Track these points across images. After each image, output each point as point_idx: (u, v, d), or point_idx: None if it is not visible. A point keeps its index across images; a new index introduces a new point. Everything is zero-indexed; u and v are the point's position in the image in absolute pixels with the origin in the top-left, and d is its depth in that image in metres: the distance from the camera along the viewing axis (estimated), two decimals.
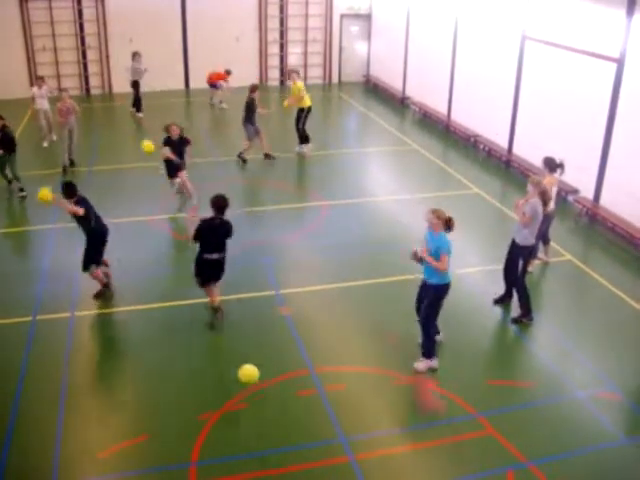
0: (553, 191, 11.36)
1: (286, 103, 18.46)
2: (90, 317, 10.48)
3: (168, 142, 14.14)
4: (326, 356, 9.45)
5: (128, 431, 8.04)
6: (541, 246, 11.83)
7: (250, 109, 17.22)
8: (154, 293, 11.03)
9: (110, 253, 12.53)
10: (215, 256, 9.70)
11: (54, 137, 19.00)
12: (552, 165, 11.35)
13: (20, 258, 12.74)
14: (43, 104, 18.60)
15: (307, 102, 17.98)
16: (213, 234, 9.65)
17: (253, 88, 17.42)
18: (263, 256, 12.20)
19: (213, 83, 23.19)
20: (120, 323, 10.43)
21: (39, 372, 9.17)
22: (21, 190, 14.95)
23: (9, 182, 15.22)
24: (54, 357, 9.44)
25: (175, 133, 14.14)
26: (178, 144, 14.17)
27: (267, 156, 17.85)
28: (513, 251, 10.37)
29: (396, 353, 9.49)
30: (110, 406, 8.54)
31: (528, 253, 10.27)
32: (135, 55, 21.80)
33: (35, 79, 20.74)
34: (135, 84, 21.86)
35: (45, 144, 18.87)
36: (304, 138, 18.29)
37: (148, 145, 14.16)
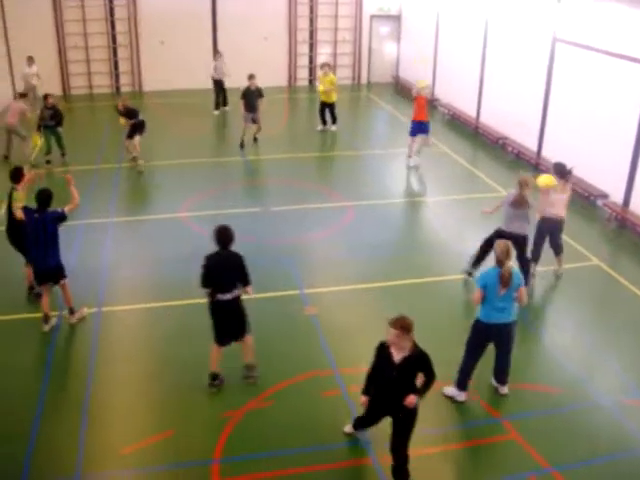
0: (561, 198, 11.12)
1: (321, 88, 19.77)
2: (117, 313, 10.57)
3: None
4: (350, 357, 9.43)
5: (152, 427, 8.10)
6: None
7: (252, 98, 18.72)
8: (183, 290, 11.07)
9: (142, 251, 12.72)
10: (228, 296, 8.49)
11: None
12: (561, 171, 11.19)
13: None
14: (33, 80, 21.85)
15: (334, 97, 19.93)
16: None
17: (251, 76, 18.80)
18: (289, 255, 12.20)
19: (420, 122, 17.51)
20: (147, 319, 10.51)
21: (65, 366, 9.29)
22: (50, 162, 17.19)
23: (48, 152, 17.31)
24: (80, 352, 9.57)
25: (122, 107, 17.01)
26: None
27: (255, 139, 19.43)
28: None
29: None
30: (135, 402, 8.60)
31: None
32: (217, 54, 23.02)
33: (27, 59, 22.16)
34: (218, 83, 22.50)
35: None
36: (334, 118, 20.33)
37: None
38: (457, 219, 14.20)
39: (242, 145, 18.72)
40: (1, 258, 11.52)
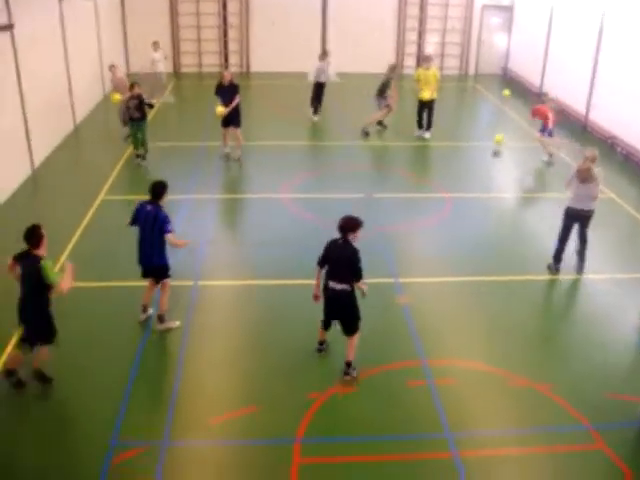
0: None
1: (426, 94, 18.18)
2: (212, 287, 10.83)
3: (219, 88, 16.12)
4: (440, 349, 9.38)
5: (240, 401, 8.27)
6: None
7: (385, 86, 18.40)
8: (278, 271, 11.24)
9: (240, 228, 12.96)
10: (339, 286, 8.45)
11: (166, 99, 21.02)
12: None
13: None
14: (159, 67, 21.58)
15: (435, 94, 18.45)
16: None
17: (392, 68, 18.64)
18: (384, 243, 12.18)
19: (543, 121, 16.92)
20: (242, 296, 10.71)
21: (160, 336, 9.59)
22: (140, 157, 16.15)
23: (137, 147, 16.19)
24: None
25: (227, 79, 15.98)
26: (228, 90, 15.94)
27: (380, 124, 19.28)
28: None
29: (514, 354, 9.30)
30: (225, 375, 8.81)
31: None
32: (323, 55, 20.58)
33: (152, 44, 21.77)
34: (319, 85, 20.19)
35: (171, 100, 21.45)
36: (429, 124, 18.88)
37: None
38: (559, 218, 13.79)
39: (385, 126, 19.18)
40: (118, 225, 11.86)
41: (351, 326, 8.59)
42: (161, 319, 9.69)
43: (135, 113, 15.61)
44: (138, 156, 16.11)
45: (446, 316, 10.26)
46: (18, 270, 7.92)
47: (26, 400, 8.17)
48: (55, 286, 7.75)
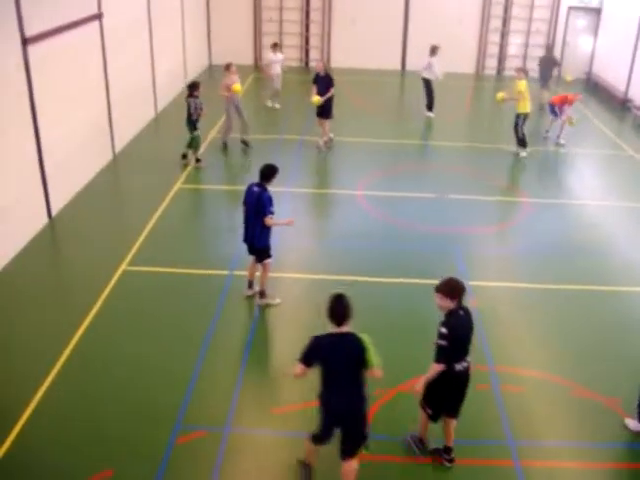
0: None
1: (501, 96, 17.21)
2: (284, 280, 10.90)
3: (316, 78, 16.33)
4: (507, 355, 9.24)
5: (302, 394, 8.28)
6: None
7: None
8: (352, 266, 11.23)
9: (314, 223, 13.01)
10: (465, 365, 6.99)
11: (275, 104, 20.67)
12: None
13: (227, 213, 13.47)
14: (276, 69, 20.32)
15: (526, 107, 16.95)
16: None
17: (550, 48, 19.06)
18: (457, 244, 12.05)
19: (559, 105, 18.25)
20: (312, 289, 10.71)
21: (229, 319, 9.75)
22: (199, 161, 15.57)
23: (198, 148, 15.63)
24: (245, 311, 10.03)
25: (320, 68, 16.31)
26: (323, 80, 16.19)
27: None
28: None
29: (583, 366, 9.09)
30: (289, 366, 8.85)
31: None
32: (435, 50, 19.85)
33: (272, 46, 20.84)
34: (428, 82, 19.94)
35: (269, 104, 20.79)
36: (522, 142, 17.28)
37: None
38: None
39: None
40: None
41: (462, 402, 7.28)
42: (262, 294, 10.04)
43: (200, 114, 15.04)
44: (198, 160, 15.51)
45: (516, 322, 10.10)
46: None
47: (103, 380, 8.44)
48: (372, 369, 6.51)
